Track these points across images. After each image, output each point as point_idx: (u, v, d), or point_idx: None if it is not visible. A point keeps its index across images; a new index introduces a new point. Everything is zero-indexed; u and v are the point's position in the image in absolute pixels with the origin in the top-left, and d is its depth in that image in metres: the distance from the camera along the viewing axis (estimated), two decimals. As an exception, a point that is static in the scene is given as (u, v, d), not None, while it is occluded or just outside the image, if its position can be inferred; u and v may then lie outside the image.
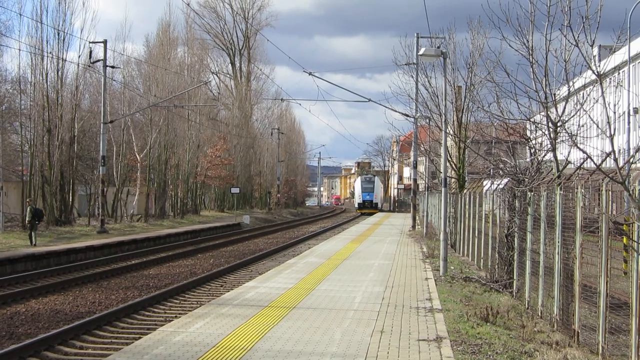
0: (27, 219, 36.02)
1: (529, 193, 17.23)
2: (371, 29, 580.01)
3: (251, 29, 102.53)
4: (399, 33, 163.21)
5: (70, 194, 50.05)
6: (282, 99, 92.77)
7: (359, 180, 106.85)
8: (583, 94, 17.74)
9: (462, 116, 37.59)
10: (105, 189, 48.16)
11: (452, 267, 25.15)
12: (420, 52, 25.29)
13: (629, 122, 45.53)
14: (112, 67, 50.33)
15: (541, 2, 16.83)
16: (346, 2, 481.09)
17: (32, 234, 34.81)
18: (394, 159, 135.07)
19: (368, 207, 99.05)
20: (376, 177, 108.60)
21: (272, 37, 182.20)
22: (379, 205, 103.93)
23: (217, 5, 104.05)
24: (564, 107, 17.46)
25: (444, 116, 28.14)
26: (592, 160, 13.15)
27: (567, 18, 15.00)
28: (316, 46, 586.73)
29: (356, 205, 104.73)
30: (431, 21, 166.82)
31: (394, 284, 20.47)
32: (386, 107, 43.99)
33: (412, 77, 42.92)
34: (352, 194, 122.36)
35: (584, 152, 13.82)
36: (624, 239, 13.22)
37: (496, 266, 21.35)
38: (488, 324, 14.50)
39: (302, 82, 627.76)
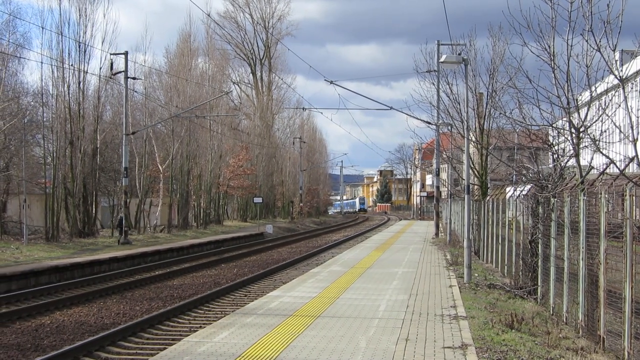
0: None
1: (552, 199, 17.15)
2: (382, 37, 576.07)
3: (271, 38, 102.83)
4: (410, 40, 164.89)
5: (93, 206, 50.27)
6: (303, 108, 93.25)
7: (357, 199, 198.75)
8: (605, 98, 17.64)
9: (484, 123, 37.39)
10: (128, 200, 48.37)
11: (476, 274, 25.07)
12: (442, 59, 25.28)
13: (652, 126, 45.20)
14: (134, 78, 50.68)
15: (562, 7, 16.72)
16: (354, 10, 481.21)
17: (120, 236, 44.10)
18: (416, 167, 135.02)
19: (362, 210, 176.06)
20: (364, 198, 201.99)
21: (289, 46, 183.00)
22: (367, 210, 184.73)
23: (237, 15, 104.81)
24: (587, 113, 17.32)
25: (465, 123, 28.07)
26: (616, 165, 13.08)
27: (588, 23, 14.90)
28: (328, 54, 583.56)
29: (357, 210, 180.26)
30: (445, 28, 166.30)
31: (418, 291, 20.43)
32: (408, 114, 44.25)
33: (433, 84, 42.86)
34: (354, 204, 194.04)
35: (607, 157, 13.75)
36: (649, 244, 13.13)
37: (520, 273, 21.26)
38: (513, 330, 14.46)
39: (321, 91, 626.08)
